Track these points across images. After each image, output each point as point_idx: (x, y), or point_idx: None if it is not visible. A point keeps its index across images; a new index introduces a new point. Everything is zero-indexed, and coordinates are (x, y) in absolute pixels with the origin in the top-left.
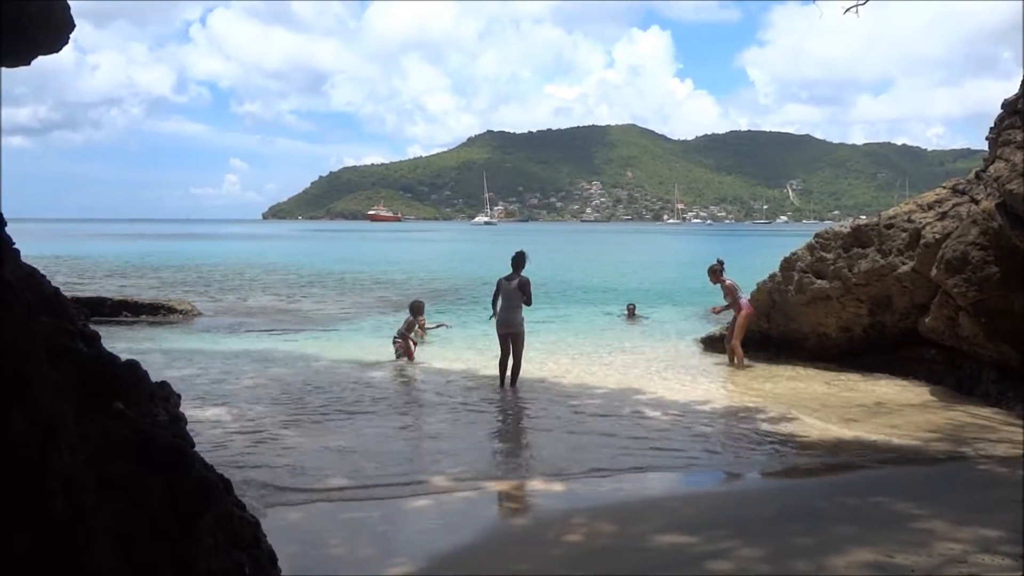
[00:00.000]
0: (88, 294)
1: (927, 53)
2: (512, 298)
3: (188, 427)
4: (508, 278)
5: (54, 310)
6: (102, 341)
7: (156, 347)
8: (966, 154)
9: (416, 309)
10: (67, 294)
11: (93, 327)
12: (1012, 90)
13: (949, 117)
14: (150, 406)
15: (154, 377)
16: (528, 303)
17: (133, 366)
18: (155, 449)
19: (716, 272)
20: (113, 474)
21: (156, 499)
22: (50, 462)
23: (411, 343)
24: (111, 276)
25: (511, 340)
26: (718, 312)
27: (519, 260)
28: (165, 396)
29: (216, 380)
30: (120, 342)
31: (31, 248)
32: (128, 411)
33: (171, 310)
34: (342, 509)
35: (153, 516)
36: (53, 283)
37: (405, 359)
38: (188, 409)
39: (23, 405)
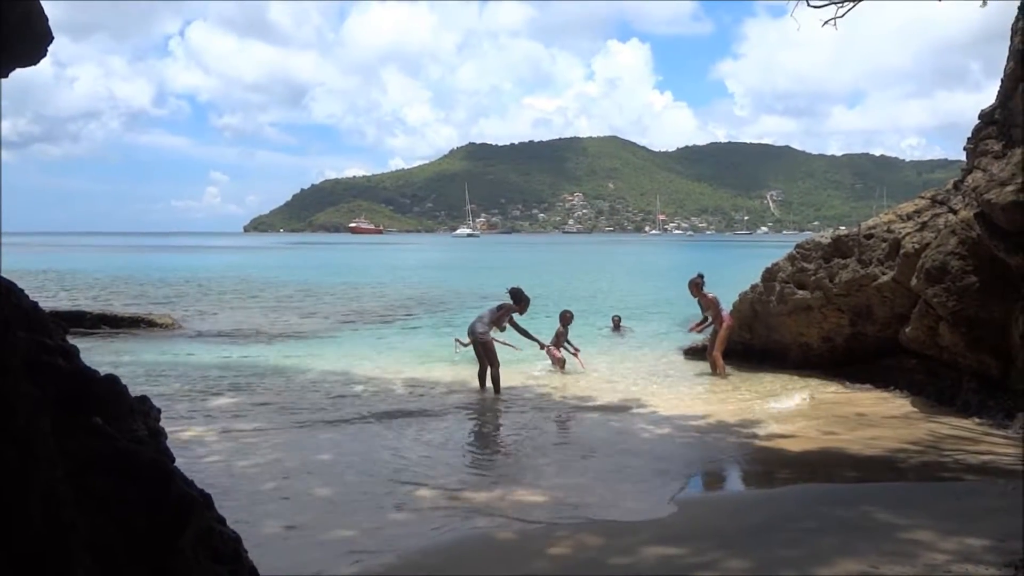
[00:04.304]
0: (67, 308)
1: (896, 65)
2: (485, 312)
3: (168, 442)
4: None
5: (32, 324)
6: (81, 355)
7: (136, 361)
8: (943, 164)
9: (563, 319)
10: (46, 308)
11: (72, 341)
12: (983, 101)
13: (922, 128)
14: (130, 421)
15: (134, 391)
16: (497, 321)
17: (112, 380)
18: (135, 464)
19: (698, 286)
20: (92, 490)
21: (136, 515)
22: (28, 478)
23: (560, 351)
24: (91, 289)
25: (480, 348)
26: (700, 329)
27: (512, 294)
28: (145, 411)
29: (197, 394)
30: (100, 356)
31: (9, 261)
32: (107, 426)
33: (152, 324)
34: (324, 523)
35: (133, 532)
36: (32, 297)
37: (557, 367)
38: (168, 424)
39: (0, 420)
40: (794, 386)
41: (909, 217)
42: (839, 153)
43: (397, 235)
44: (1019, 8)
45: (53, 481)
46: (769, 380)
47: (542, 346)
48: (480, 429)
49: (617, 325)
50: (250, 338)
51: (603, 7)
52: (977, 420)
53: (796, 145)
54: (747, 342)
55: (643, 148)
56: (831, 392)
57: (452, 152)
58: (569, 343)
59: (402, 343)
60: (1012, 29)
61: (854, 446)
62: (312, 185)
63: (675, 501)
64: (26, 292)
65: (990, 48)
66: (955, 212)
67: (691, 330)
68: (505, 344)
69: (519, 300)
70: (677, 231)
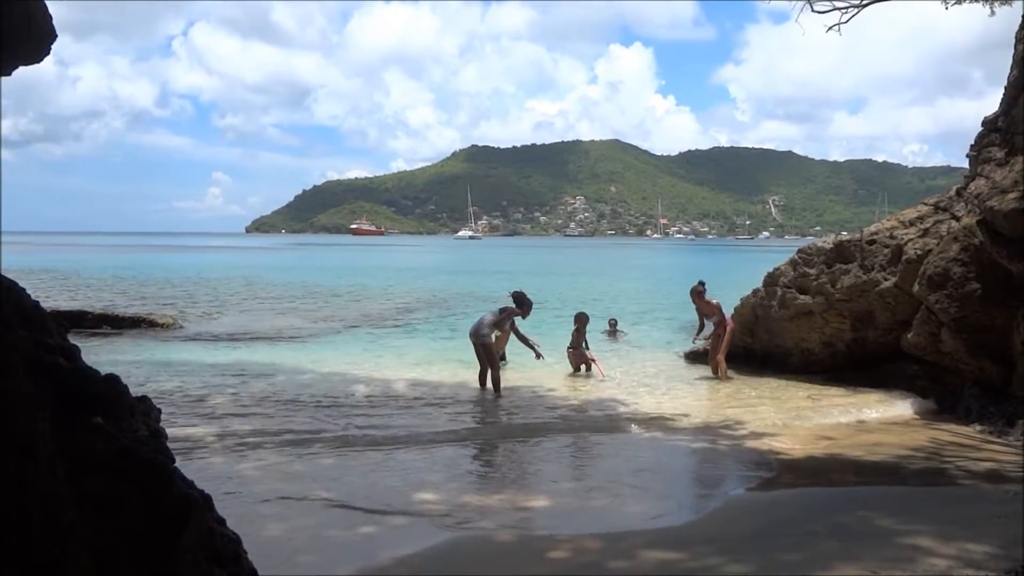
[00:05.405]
0: (69, 307)
1: (898, 72)
2: (488, 315)
3: (169, 443)
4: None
5: (33, 323)
6: (83, 355)
7: (137, 361)
8: (945, 171)
9: (578, 319)
10: (47, 307)
11: (73, 341)
12: (985, 108)
13: (924, 134)
14: (130, 421)
15: (135, 391)
16: (499, 324)
17: (113, 380)
18: (135, 464)
19: (700, 293)
20: (92, 490)
21: (136, 515)
22: (27, 478)
23: (582, 354)
24: (92, 289)
25: (481, 350)
26: (707, 337)
27: (515, 298)
28: (145, 411)
29: (198, 395)
30: (101, 356)
31: (10, 260)
32: (108, 426)
33: (153, 324)
34: (324, 525)
35: (133, 532)
36: (33, 296)
37: (573, 368)
38: (168, 424)
39: (0, 420)
40: (794, 391)
41: (911, 223)
42: (841, 159)
43: (399, 237)
44: (1023, 16)
45: (53, 480)
46: (770, 385)
47: (538, 355)
48: (480, 432)
49: (613, 328)
50: (253, 339)
51: (605, 11)
52: (978, 426)
53: (798, 150)
54: (748, 346)
55: (645, 152)
56: (832, 396)
57: (454, 154)
58: (587, 344)
59: (404, 345)
60: (1016, 37)
61: (855, 451)
62: (314, 186)
63: (675, 505)
64: (27, 291)
65: (992, 56)
66: (957, 219)
67: (695, 340)
68: (527, 346)
69: (521, 304)
70: (679, 235)
